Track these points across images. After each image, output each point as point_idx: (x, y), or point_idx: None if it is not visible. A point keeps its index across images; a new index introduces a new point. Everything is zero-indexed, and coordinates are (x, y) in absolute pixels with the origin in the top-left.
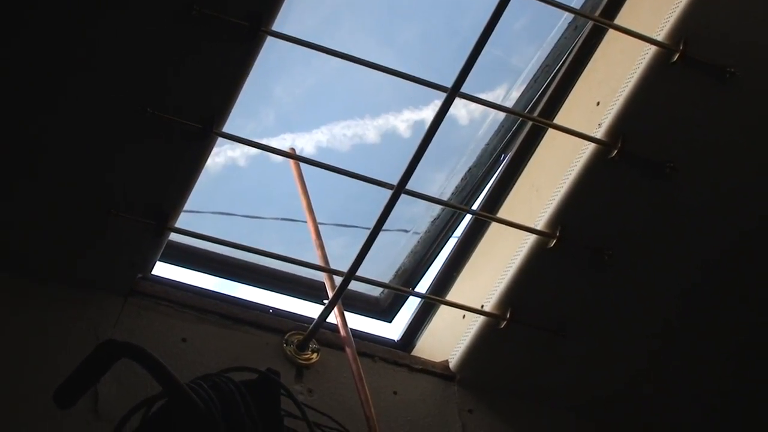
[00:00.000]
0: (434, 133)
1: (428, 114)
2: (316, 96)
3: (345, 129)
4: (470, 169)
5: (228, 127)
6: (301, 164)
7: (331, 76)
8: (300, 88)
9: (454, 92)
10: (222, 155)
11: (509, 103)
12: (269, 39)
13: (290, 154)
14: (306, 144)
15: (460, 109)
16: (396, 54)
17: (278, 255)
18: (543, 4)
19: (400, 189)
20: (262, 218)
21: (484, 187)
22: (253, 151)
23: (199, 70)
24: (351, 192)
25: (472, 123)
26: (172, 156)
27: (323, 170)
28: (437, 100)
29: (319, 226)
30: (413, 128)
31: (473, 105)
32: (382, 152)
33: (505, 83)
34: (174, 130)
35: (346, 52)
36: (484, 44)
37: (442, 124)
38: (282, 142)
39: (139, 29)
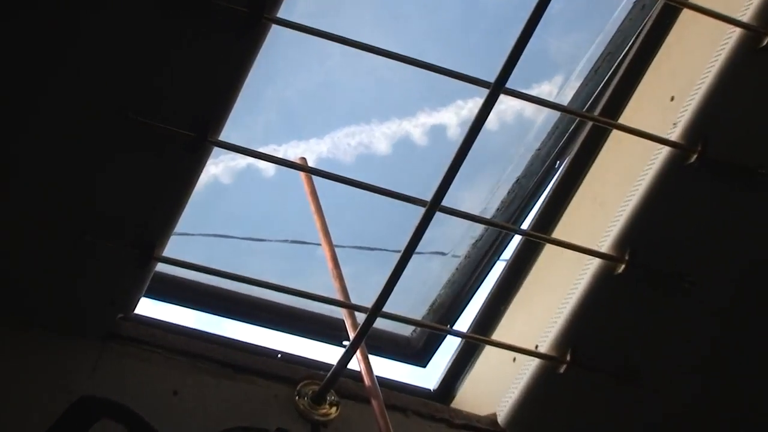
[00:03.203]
0: (475, 137)
1: (448, 117)
2: (314, 99)
3: (348, 137)
4: (518, 180)
5: None
6: (313, 178)
7: (330, 75)
8: (294, 90)
9: (497, 88)
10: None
11: (564, 100)
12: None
13: (301, 166)
14: (303, 155)
15: None
16: (408, 45)
17: (288, 288)
18: None
19: (434, 205)
20: (264, 240)
21: (536, 201)
22: (240, 165)
23: (190, 67)
24: (362, 210)
25: (504, 128)
26: (158, 170)
27: (325, 184)
28: (460, 100)
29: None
30: (430, 134)
31: (505, 105)
32: (394, 163)
33: (558, 76)
34: (161, 138)
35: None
36: (534, 28)
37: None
38: (273, 153)
39: (120, 16)
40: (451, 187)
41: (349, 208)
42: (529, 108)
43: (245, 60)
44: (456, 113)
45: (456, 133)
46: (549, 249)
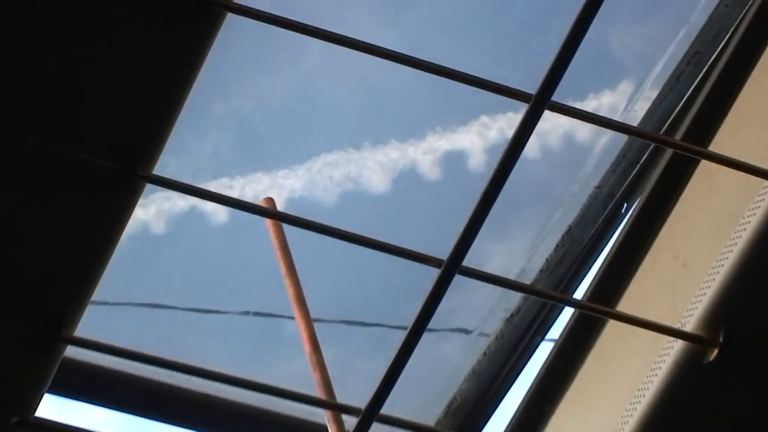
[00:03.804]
0: (509, 170)
1: (469, 140)
2: (283, 114)
3: (330, 167)
4: (570, 229)
5: None
6: (284, 226)
7: (305, 82)
8: (255, 102)
9: (541, 102)
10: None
11: (634, 118)
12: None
13: (266, 210)
14: (267, 192)
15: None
16: (411, 39)
17: (248, 381)
18: None
19: (453, 266)
20: (214, 312)
21: (595, 259)
22: (178, 208)
23: (113, 71)
24: (351, 270)
25: (549, 156)
26: (69, 216)
27: (299, 235)
28: (485, 117)
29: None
30: (444, 165)
31: (549, 125)
32: (394, 205)
33: (625, 83)
34: (73, 171)
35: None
36: (592, 17)
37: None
38: (227, 191)
39: None
40: (477, 239)
41: (334, 268)
42: (584, 129)
43: (190, 61)
44: (480, 135)
45: (480, 163)
46: (613, 327)
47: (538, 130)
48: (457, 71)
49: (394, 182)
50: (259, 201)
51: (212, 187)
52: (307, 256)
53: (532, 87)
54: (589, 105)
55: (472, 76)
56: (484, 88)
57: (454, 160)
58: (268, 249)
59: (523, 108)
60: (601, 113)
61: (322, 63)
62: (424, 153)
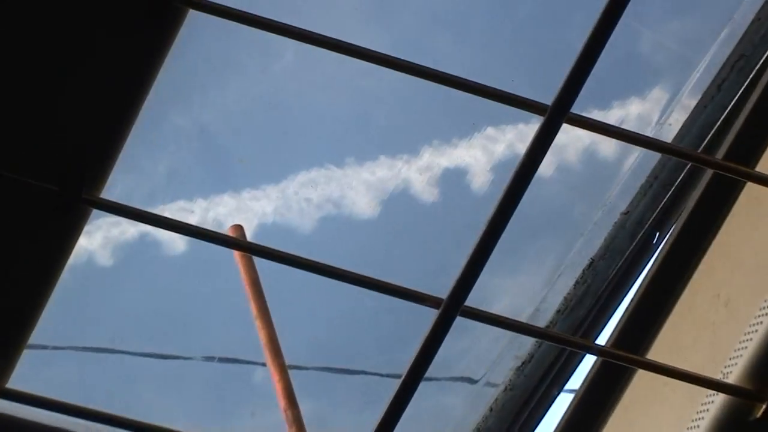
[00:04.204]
0: (522, 192)
1: (473, 156)
2: (251, 127)
3: (308, 188)
4: (592, 262)
5: None
6: (255, 259)
7: (278, 89)
8: (218, 113)
9: (559, 114)
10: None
11: (668, 133)
12: None
13: (234, 240)
14: (233, 217)
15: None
16: (403, 38)
17: None
18: None
19: (454, 306)
20: (171, 358)
21: (622, 298)
22: (127, 236)
23: (58, 74)
24: (334, 310)
25: (567, 176)
26: (2, 246)
27: (273, 269)
28: (491, 129)
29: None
30: (442, 185)
31: (567, 137)
32: (383, 231)
33: (658, 91)
34: (6, 195)
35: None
36: (620, 13)
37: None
38: (187, 216)
39: None
40: (482, 273)
41: (313, 308)
42: (608, 144)
43: (146, 67)
44: (485, 150)
45: (485, 183)
46: (642, 377)
47: (554, 144)
48: (461, 78)
49: (384, 205)
50: (226, 229)
51: (169, 211)
52: (282, 294)
53: (546, 93)
54: (614, 116)
55: (479, 84)
56: (492, 98)
57: (453, 179)
58: (236, 285)
59: (536, 119)
60: (629, 126)
61: (298, 65)
62: (419, 171)
